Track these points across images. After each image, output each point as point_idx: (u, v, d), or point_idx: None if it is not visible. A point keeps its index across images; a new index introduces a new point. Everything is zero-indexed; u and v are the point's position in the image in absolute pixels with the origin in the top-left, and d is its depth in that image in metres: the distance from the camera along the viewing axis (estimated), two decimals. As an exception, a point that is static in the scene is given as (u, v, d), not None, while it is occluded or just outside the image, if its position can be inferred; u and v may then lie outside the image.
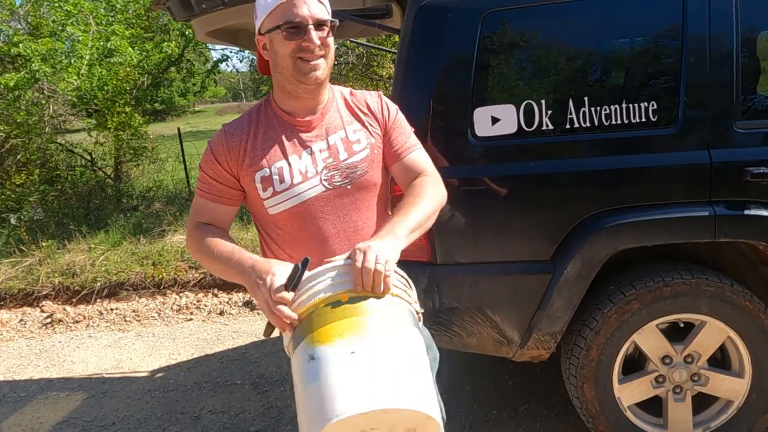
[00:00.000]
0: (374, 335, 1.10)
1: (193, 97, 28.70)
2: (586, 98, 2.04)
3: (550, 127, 2.06)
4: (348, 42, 6.58)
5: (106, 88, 6.63)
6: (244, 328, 4.15)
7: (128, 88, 6.96)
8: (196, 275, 4.90)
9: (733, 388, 2.17)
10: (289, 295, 1.17)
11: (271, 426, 2.85)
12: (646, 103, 2.02)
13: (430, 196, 1.40)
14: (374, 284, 1.15)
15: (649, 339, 2.13)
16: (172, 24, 7.75)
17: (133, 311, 4.59)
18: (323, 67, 1.35)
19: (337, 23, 1.38)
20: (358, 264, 1.16)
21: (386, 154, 1.49)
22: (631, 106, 2.02)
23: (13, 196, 6.67)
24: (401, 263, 1.24)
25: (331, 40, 1.36)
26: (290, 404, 2.29)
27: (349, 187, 1.41)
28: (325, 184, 1.39)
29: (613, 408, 2.18)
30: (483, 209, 2.09)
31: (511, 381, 3.00)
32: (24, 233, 5.69)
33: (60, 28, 7.01)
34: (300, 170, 1.38)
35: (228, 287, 4.76)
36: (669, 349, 2.15)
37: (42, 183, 7.13)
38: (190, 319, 4.43)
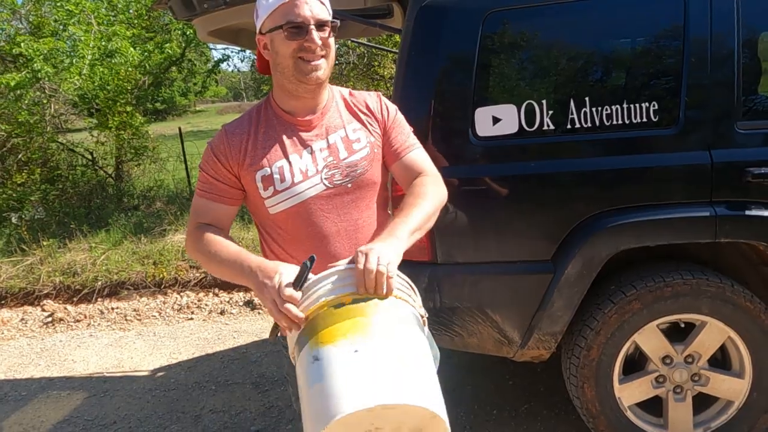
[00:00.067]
0: (378, 335, 1.10)
1: (194, 96, 28.69)
2: (587, 98, 2.04)
3: (551, 127, 2.06)
4: (349, 42, 6.58)
5: (107, 87, 6.64)
6: (245, 328, 4.15)
7: (129, 87, 6.98)
8: (197, 275, 4.91)
9: (733, 389, 2.17)
10: (297, 294, 1.17)
11: (271, 425, 2.86)
12: (647, 104, 2.02)
13: (431, 196, 1.40)
14: (377, 286, 1.15)
15: (650, 339, 2.13)
16: (174, 24, 7.76)
17: (134, 310, 4.59)
18: (324, 67, 1.36)
19: (338, 23, 1.38)
20: (361, 266, 1.16)
21: (386, 153, 1.49)
22: (632, 106, 2.02)
23: (14, 195, 6.68)
24: (402, 263, 1.24)
25: (332, 40, 1.36)
26: (291, 404, 2.30)
27: (349, 185, 1.42)
28: (326, 182, 1.40)
29: (614, 408, 2.18)
30: (484, 209, 2.09)
31: (511, 381, 3.00)
32: (25, 232, 5.71)
33: (61, 27, 7.03)
34: (300, 169, 1.39)
35: (229, 287, 4.76)
36: (669, 349, 2.15)
37: (43, 182, 7.13)
38: (191, 319, 4.43)
